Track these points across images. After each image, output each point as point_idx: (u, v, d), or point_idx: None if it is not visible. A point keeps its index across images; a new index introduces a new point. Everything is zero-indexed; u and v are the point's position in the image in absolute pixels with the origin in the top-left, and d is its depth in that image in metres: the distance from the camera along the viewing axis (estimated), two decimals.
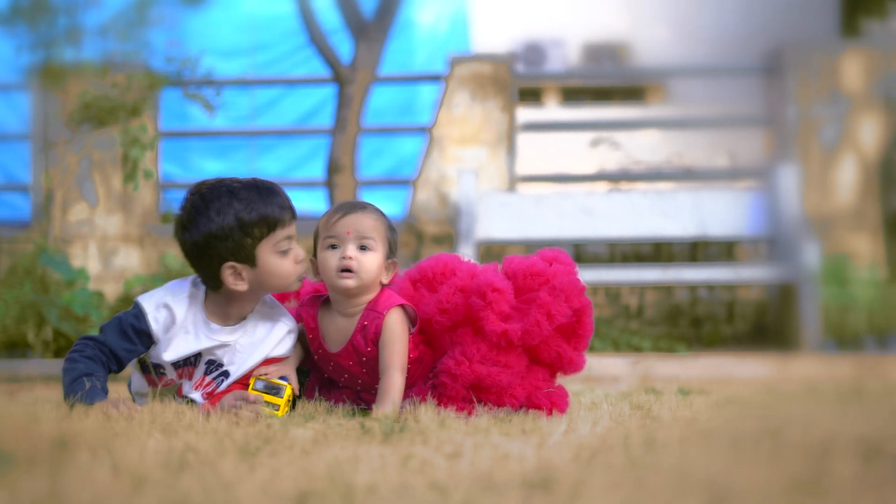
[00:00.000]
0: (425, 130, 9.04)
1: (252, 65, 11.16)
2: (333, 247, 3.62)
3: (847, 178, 8.53)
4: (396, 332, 3.61)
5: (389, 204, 9.18)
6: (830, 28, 12.91)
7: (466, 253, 7.60)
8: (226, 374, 3.62)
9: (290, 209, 3.57)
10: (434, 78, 9.40)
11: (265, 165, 10.87)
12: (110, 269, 8.52)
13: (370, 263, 3.61)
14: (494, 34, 12.78)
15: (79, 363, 3.48)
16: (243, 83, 9.93)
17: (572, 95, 13.80)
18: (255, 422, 3.24)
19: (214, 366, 3.62)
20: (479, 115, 8.78)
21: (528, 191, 9.67)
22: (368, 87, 8.10)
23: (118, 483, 2.25)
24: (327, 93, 10.62)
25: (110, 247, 8.57)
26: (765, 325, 8.43)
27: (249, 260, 3.49)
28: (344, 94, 8.04)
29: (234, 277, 3.51)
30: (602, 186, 9.47)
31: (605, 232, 8.28)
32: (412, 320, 3.68)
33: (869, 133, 8.54)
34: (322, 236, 3.65)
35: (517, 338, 3.56)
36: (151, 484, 2.25)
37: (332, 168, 7.93)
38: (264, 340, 3.63)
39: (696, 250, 8.58)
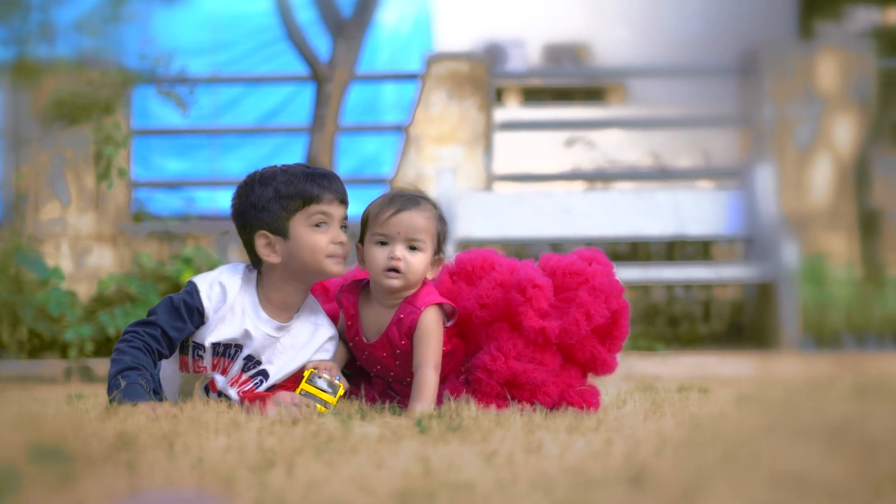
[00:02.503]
0: (402, 129, 9.00)
1: (214, 63, 11.04)
2: (382, 243, 3.58)
3: (822, 178, 8.59)
4: (432, 329, 3.58)
5: (365, 204, 9.11)
6: (789, 30, 13.01)
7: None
8: (264, 373, 3.59)
9: (336, 192, 3.57)
10: (409, 77, 9.37)
11: (227, 165, 10.77)
12: (83, 269, 8.40)
13: (418, 263, 3.58)
14: (456, 34, 12.74)
15: (126, 355, 3.44)
16: (217, 81, 9.82)
17: (533, 96, 13.81)
18: (298, 421, 3.19)
19: (252, 363, 3.58)
20: (456, 113, 8.75)
21: (506, 190, 9.65)
22: (346, 85, 8.05)
23: (207, 482, 2.20)
24: (290, 91, 10.55)
25: (83, 246, 8.45)
26: (740, 324, 8.47)
27: (282, 232, 3.54)
28: (322, 93, 7.98)
29: (268, 248, 3.56)
30: (578, 186, 9.48)
31: (583, 231, 8.28)
32: (449, 316, 3.64)
33: (844, 133, 8.61)
34: (371, 229, 3.61)
35: (554, 336, 3.53)
36: (241, 483, 2.20)
37: None
38: (306, 345, 3.62)
39: (672, 249, 8.60)
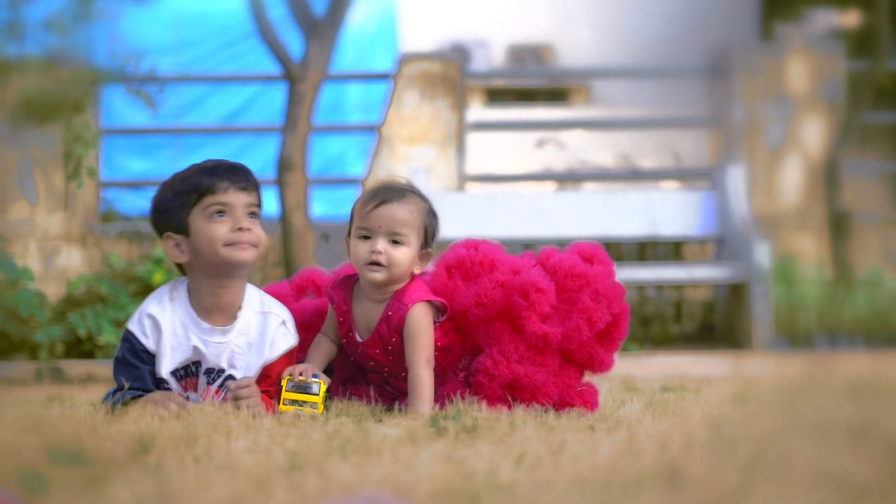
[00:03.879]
0: (374, 129, 8.97)
1: (179, 62, 10.96)
2: (365, 237, 3.55)
3: (792, 179, 8.64)
4: (421, 326, 3.55)
5: (336, 204, 9.09)
6: (751, 31, 13.10)
7: None
8: (231, 378, 3.53)
9: (233, 181, 3.46)
10: (377, 76, 9.35)
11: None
12: (51, 269, 8.31)
13: (401, 257, 3.54)
14: (421, 35, 12.73)
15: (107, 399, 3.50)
16: (186, 79, 9.74)
17: (496, 96, 13.82)
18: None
19: (215, 373, 3.53)
20: (429, 113, 8.73)
21: (479, 190, 9.64)
22: (319, 84, 8.00)
23: (238, 485, 2.17)
24: (255, 91, 10.49)
25: (51, 246, 8.36)
26: (711, 325, 8.50)
27: (184, 229, 3.47)
28: (295, 92, 7.92)
29: (176, 249, 3.50)
30: (549, 186, 9.48)
31: (556, 231, 8.28)
32: (440, 311, 3.61)
33: (813, 134, 8.66)
34: (355, 223, 3.59)
35: (556, 342, 3.52)
36: (273, 485, 2.17)
37: (284, 166, 7.80)
38: (261, 336, 3.54)
39: (644, 250, 8.63)
